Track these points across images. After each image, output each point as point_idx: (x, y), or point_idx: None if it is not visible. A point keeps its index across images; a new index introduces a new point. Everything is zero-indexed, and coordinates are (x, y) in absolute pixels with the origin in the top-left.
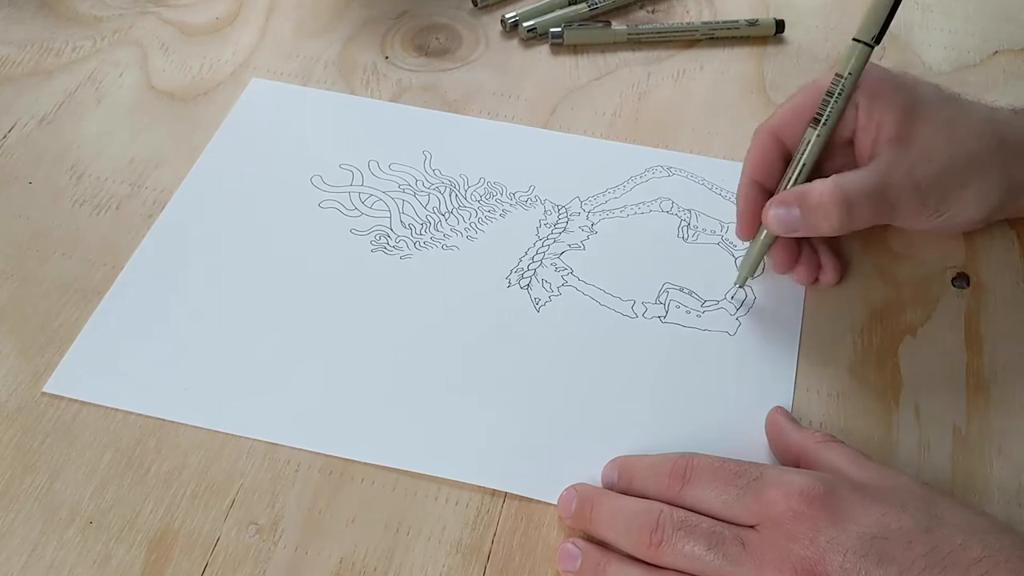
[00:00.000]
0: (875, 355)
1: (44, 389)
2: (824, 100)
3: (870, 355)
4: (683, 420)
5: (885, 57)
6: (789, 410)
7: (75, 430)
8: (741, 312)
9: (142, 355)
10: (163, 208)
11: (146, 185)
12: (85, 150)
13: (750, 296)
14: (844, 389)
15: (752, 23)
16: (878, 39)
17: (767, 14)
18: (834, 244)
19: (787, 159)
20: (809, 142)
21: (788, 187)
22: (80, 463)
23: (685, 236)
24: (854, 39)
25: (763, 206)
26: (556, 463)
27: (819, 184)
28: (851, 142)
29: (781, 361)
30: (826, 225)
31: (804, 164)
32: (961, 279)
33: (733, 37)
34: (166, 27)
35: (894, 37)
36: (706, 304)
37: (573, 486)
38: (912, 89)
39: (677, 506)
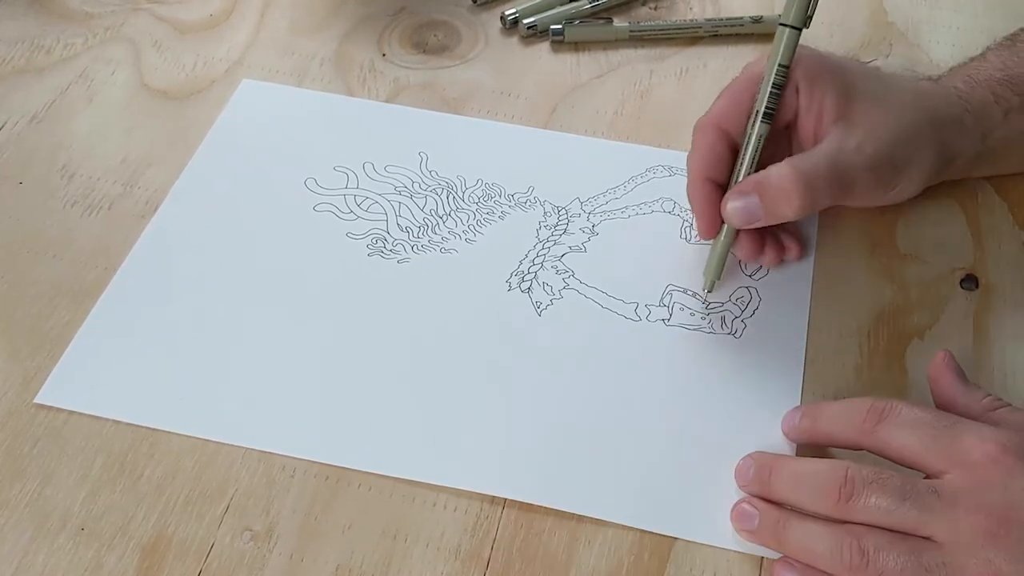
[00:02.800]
0: (882, 358)
1: (36, 400)
2: (771, 93)
3: (877, 358)
4: (689, 423)
5: (892, 54)
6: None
7: (66, 435)
8: (746, 314)
9: (135, 364)
10: (156, 209)
11: (139, 185)
12: (77, 149)
13: (755, 298)
14: (850, 392)
15: (756, 20)
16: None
17: (771, 11)
18: (791, 225)
19: (734, 150)
20: (758, 136)
21: (741, 179)
22: (71, 469)
23: (688, 237)
24: (781, 24)
25: (719, 201)
26: (558, 469)
27: (776, 169)
28: (789, 126)
29: (787, 363)
30: (788, 209)
31: (754, 157)
32: (969, 281)
33: (737, 34)
34: (159, 24)
35: (900, 34)
36: (710, 306)
37: (750, 455)
38: (843, 68)
39: (865, 446)
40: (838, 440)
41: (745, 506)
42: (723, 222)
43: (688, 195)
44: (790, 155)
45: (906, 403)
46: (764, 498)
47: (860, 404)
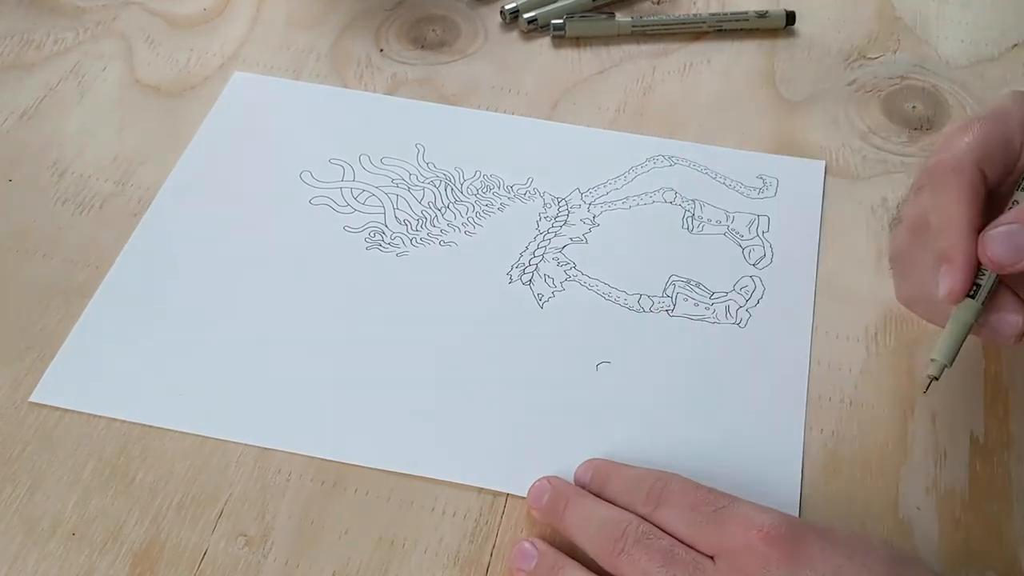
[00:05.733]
0: (890, 360)
1: (31, 399)
2: None
3: (884, 360)
4: (694, 415)
5: (899, 49)
6: (803, 409)
7: (57, 438)
8: (751, 303)
9: (132, 361)
10: (149, 207)
11: (131, 183)
12: (67, 146)
13: (759, 287)
14: (857, 395)
15: (762, 15)
16: None
17: (777, 6)
18: None
19: (988, 197)
20: None
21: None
22: (62, 472)
23: (690, 227)
24: None
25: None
26: (561, 463)
27: None
28: None
29: (793, 352)
30: None
31: None
32: None
33: (742, 29)
34: (152, 18)
35: (908, 29)
36: (714, 296)
37: (547, 478)
38: None
39: (650, 522)
40: (626, 508)
41: (526, 545)
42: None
43: (941, 249)
44: None
45: (681, 483)
46: (553, 526)
47: (642, 483)
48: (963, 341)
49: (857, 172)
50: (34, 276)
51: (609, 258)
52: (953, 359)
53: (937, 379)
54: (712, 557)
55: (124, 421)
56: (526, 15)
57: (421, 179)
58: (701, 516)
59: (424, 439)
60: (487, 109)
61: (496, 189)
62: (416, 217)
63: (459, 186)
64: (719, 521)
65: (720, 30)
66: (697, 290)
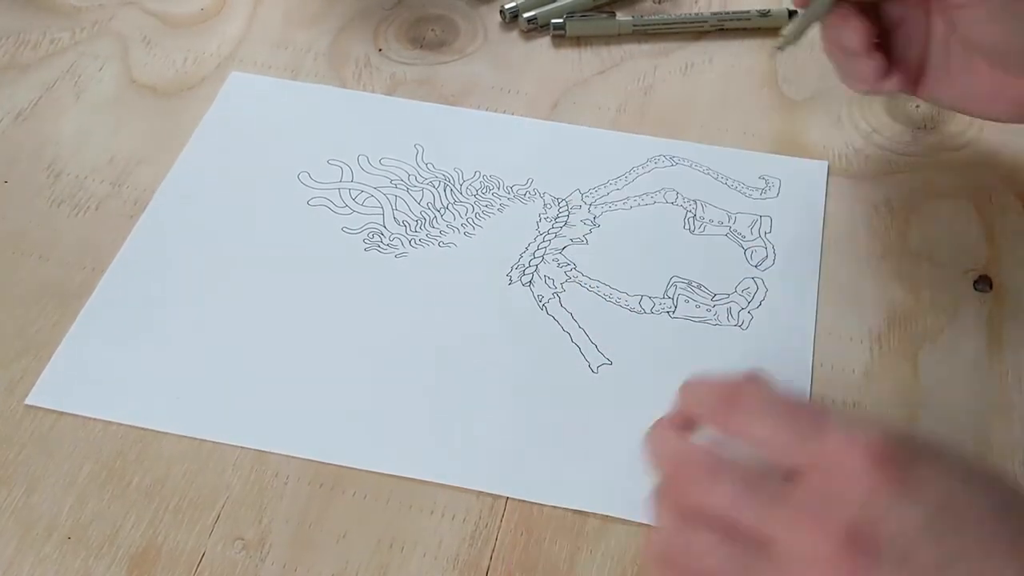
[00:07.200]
0: (893, 361)
1: (27, 401)
2: None
3: (888, 362)
4: None
5: None
6: None
7: (52, 441)
8: (752, 305)
9: (129, 363)
10: (145, 208)
11: (127, 184)
12: (63, 147)
13: (761, 289)
14: (860, 397)
15: (764, 14)
16: None
17: (779, 4)
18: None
19: None
20: None
21: None
22: (58, 475)
23: (691, 228)
24: None
25: None
26: (563, 465)
27: None
28: None
29: (795, 355)
30: None
31: None
32: (983, 282)
33: (744, 28)
34: (148, 18)
35: None
36: (716, 298)
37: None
38: None
39: (724, 433)
40: (703, 423)
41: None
42: None
43: None
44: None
45: (768, 385)
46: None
47: (720, 385)
48: (808, 26)
49: (860, 172)
50: (30, 278)
51: (610, 259)
52: (797, 38)
53: (781, 50)
54: (798, 474)
55: (121, 424)
56: (526, 14)
57: (420, 180)
58: (795, 422)
59: (423, 441)
60: (487, 109)
61: (496, 190)
62: (415, 218)
63: (458, 187)
64: (818, 429)
65: (722, 29)
66: (699, 291)
